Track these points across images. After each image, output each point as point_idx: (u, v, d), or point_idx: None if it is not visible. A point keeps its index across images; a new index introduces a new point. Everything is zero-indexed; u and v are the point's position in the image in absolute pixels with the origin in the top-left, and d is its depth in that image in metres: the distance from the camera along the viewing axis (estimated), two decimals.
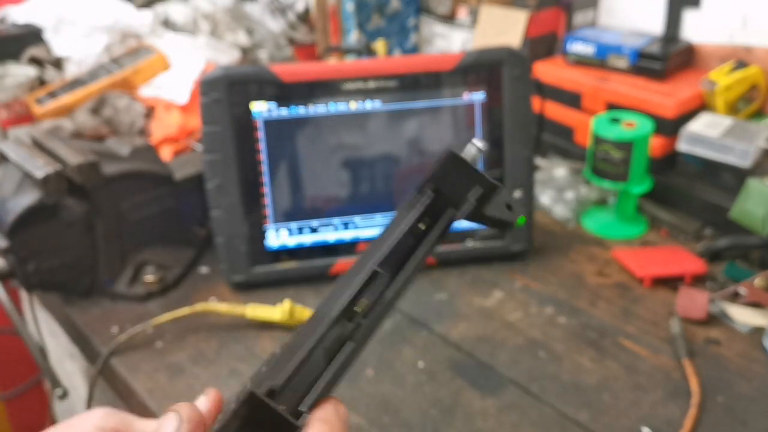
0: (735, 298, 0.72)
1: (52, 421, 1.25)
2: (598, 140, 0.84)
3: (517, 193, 0.79)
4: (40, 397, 1.34)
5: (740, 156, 0.81)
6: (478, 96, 0.78)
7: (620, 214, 0.88)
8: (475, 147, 0.32)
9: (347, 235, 0.79)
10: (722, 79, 0.88)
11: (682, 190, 0.88)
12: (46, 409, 1.25)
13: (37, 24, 1.15)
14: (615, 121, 0.85)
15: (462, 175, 0.32)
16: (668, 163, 0.91)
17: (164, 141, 0.99)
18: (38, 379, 1.33)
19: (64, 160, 0.72)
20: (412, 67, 0.77)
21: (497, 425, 0.59)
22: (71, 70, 1.12)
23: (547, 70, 1.04)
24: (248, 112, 0.75)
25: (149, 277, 0.78)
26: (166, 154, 0.95)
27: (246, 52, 1.28)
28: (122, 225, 0.77)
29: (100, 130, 1.00)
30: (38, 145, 0.77)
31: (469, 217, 0.33)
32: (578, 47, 1.02)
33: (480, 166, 0.33)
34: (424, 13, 1.33)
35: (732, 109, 0.90)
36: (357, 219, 0.79)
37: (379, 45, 1.17)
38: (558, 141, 1.03)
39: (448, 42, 1.28)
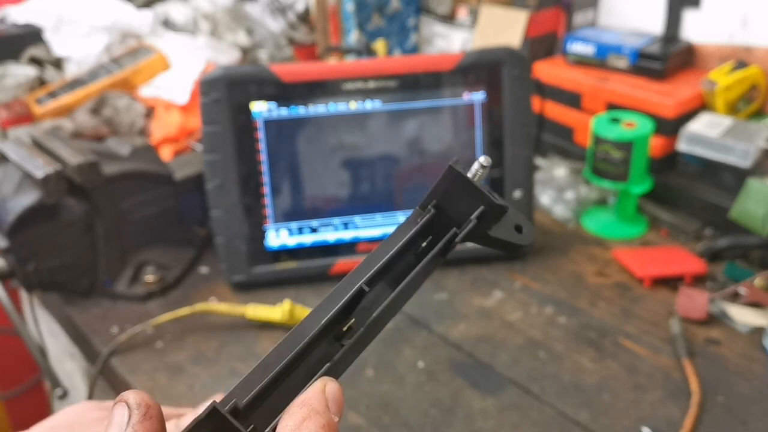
0: (735, 298, 0.72)
1: None
2: (598, 140, 0.84)
3: (517, 193, 0.80)
4: (40, 397, 1.34)
5: (740, 156, 0.81)
6: (478, 96, 0.78)
7: (620, 214, 0.88)
8: (479, 164, 0.30)
9: (347, 235, 0.79)
10: (722, 79, 0.88)
11: (682, 190, 0.88)
12: (46, 409, 1.25)
13: (37, 24, 1.15)
14: (615, 121, 0.85)
15: (464, 193, 0.30)
16: (668, 163, 0.91)
17: (164, 141, 0.99)
18: (38, 379, 1.34)
19: (64, 160, 0.72)
20: (412, 67, 0.77)
21: (497, 425, 0.59)
22: (71, 70, 1.12)
23: (547, 70, 1.04)
24: (248, 112, 0.75)
25: (149, 277, 0.78)
26: (166, 154, 0.95)
27: (246, 52, 1.28)
28: (122, 225, 0.77)
29: (100, 130, 1.00)
30: (38, 145, 0.77)
31: (474, 239, 0.31)
32: (578, 47, 1.02)
33: (485, 182, 0.31)
34: (424, 13, 1.33)
35: (732, 109, 0.90)
36: (357, 219, 0.79)
37: (379, 45, 1.17)
38: (558, 141, 1.03)
39: (448, 42, 1.28)
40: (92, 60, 1.12)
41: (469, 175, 0.30)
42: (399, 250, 0.30)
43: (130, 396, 0.26)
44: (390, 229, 0.80)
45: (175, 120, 1.01)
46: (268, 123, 0.76)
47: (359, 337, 0.28)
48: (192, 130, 1.01)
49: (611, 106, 0.94)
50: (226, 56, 1.19)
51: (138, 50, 1.12)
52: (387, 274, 0.30)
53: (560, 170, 0.96)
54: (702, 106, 0.92)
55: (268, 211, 0.78)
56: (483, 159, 0.30)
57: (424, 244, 0.31)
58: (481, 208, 0.30)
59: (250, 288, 0.78)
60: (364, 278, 0.29)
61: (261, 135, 0.76)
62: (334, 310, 0.28)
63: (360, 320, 0.29)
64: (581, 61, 1.02)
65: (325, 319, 0.28)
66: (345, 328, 0.29)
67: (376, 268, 0.29)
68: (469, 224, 0.30)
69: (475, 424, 0.59)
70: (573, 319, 0.72)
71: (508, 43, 0.95)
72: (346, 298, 0.28)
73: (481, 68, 0.77)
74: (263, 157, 0.77)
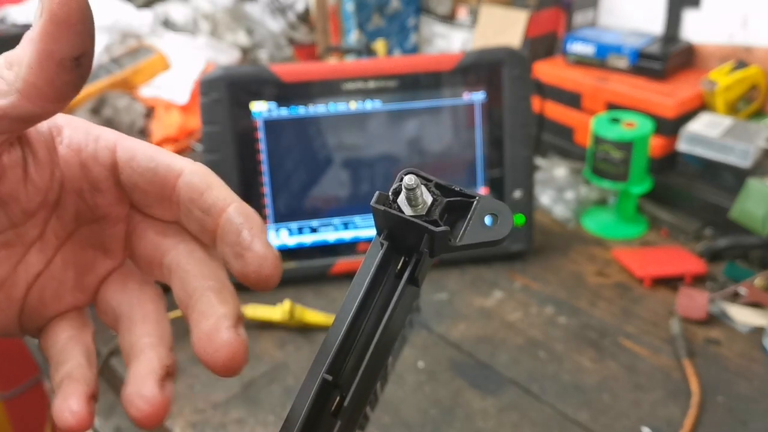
0: (735, 298, 0.72)
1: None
2: (598, 140, 0.84)
3: (517, 193, 0.80)
4: (40, 397, 1.34)
5: (740, 156, 0.81)
6: (478, 96, 0.78)
7: (620, 214, 0.88)
8: (404, 190, 0.26)
9: (347, 235, 0.79)
10: (722, 79, 0.88)
11: (682, 190, 0.88)
12: (46, 409, 1.25)
13: None
14: (615, 121, 0.85)
15: (403, 225, 0.26)
16: (668, 163, 0.91)
17: (164, 141, 0.99)
18: (38, 379, 1.33)
19: None
20: (412, 67, 0.77)
21: (497, 425, 0.59)
22: None
23: (547, 70, 1.04)
24: (248, 112, 0.75)
25: None
26: None
27: (246, 52, 1.28)
28: None
29: None
30: None
31: (447, 252, 0.27)
32: (578, 47, 1.02)
33: (425, 196, 0.27)
34: (424, 13, 1.33)
35: (732, 109, 0.90)
36: (357, 219, 0.79)
37: (379, 45, 1.17)
38: (558, 141, 1.03)
39: (448, 42, 1.28)
40: None
41: (401, 201, 0.26)
42: (360, 305, 0.26)
43: None
44: None
45: (175, 120, 1.01)
46: (268, 123, 0.76)
47: (350, 407, 0.25)
48: (192, 130, 1.01)
49: (611, 106, 0.94)
50: (226, 56, 1.19)
51: (138, 50, 1.12)
52: (366, 311, 0.27)
53: (560, 170, 0.96)
54: (702, 106, 0.92)
55: (268, 211, 0.78)
56: (406, 180, 0.25)
57: (399, 266, 0.27)
58: (426, 236, 0.26)
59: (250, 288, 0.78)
60: (326, 364, 0.25)
61: (261, 135, 0.76)
62: (302, 416, 0.25)
63: (345, 387, 0.26)
64: (581, 61, 1.02)
65: (301, 418, 0.25)
66: (335, 406, 0.26)
67: (335, 349, 0.26)
68: (422, 256, 0.26)
69: (475, 424, 0.59)
70: (573, 319, 0.72)
71: (508, 43, 0.95)
72: (312, 395, 0.25)
73: (481, 68, 0.77)
74: (263, 157, 0.77)
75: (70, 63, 0.21)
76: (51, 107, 0.22)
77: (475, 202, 0.27)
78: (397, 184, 0.26)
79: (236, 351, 0.26)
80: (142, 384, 0.25)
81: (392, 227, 0.26)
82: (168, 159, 0.27)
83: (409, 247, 0.27)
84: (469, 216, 0.27)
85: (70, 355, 0.28)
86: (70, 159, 0.26)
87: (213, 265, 0.28)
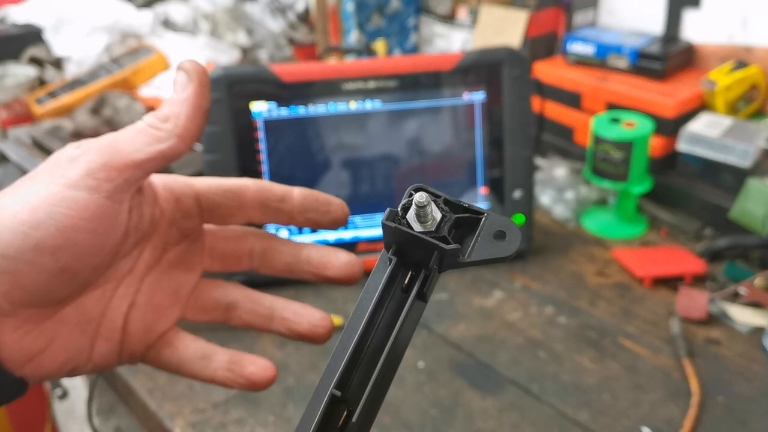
0: (735, 298, 0.72)
1: (52, 421, 1.25)
2: (598, 140, 0.84)
3: (517, 193, 0.80)
4: (40, 397, 1.34)
5: (740, 156, 0.81)
6: (478, 96, 0.78)
7: (620, 214, 0.88)
8: (414, 206, 0.26)
9: (347, 235, 0.79)
10: (722, 79, 0.88)
11: (682, 190, 0.88)
12: (46, 409, 1.25)
13: (37, 24, 1.15)
14: (615, 121, 0.85)
15: (412, 242, 0.26)
16: (668, 163, 0.91)
17: None
18: None
19: None
20: (412, 67, 0.77)
21: (497, 425, 0.59)
22: (71, 70, 1.12)
23: (547, 70, 1.04)
24: (248, 112, 0.75)
25: None
26: None
27: (246, 52, 1.28)
28: None
29: (100, 130, 1.00)
30: (38, 145, 0.77)
31: (456, 267, 0.27)
32: (578, 47, 1.02)
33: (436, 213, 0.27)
34: (424, 13, 1.33)
35: (732, 109, 0.90)
36: (357, 219, 0.79)
37: (379, 45, 1.17)
38: (558, 141, 1.03)
39: (448, 42, 1.28)
40: (92, 60, 1.12)
41: (410, 216, 0.26)
42: (369, 319, 0.26)
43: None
44: None
45: None
46: (268, 123, 0.76)
47: (358, 422, 0.25)
48: None
49: (611, 106, 0.94)
50: (226, 56, 1.19)
51: (138, 50, 1.12)
52: (374, 325, 0.27)
53: (560, 170, 0.96)
54: (702, 106, 0.92)
55: None
56: (417, 197, 0.26)
57: (407, 280, 0.27)
58: (435, 252, 0.26)
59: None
60: (335, 379, 0.25)
61: (261, 135, 0.76)
62: (314, 423, 0.25)
63: (353, 402, 0.25)
64: (581, 61, 1.02)
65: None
66: (341, 421, 0.26)
67: (343, 365, 0.26)
68: (431, 272, 0.27)
69: (475, 424, 0.59)
70: (573, 319, 0.72)
71: (508, 43, 0.95)
72: (320, 411, 0.25)
73: (481, 68, 0.77)
74: (263, 157, 0.77)
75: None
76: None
77: (483, 219, 0.27)
78: (407, 200, 0.27)
79: (357, 262, 0.36)
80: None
81: (401, 243, 0.27)
82: (231, 179, 0.36)
83: (417, 263, 0.27)
84: (477, 232, 0.27)
85: (212, 348, 0.35)
86: (167, 196, 0.33)
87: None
